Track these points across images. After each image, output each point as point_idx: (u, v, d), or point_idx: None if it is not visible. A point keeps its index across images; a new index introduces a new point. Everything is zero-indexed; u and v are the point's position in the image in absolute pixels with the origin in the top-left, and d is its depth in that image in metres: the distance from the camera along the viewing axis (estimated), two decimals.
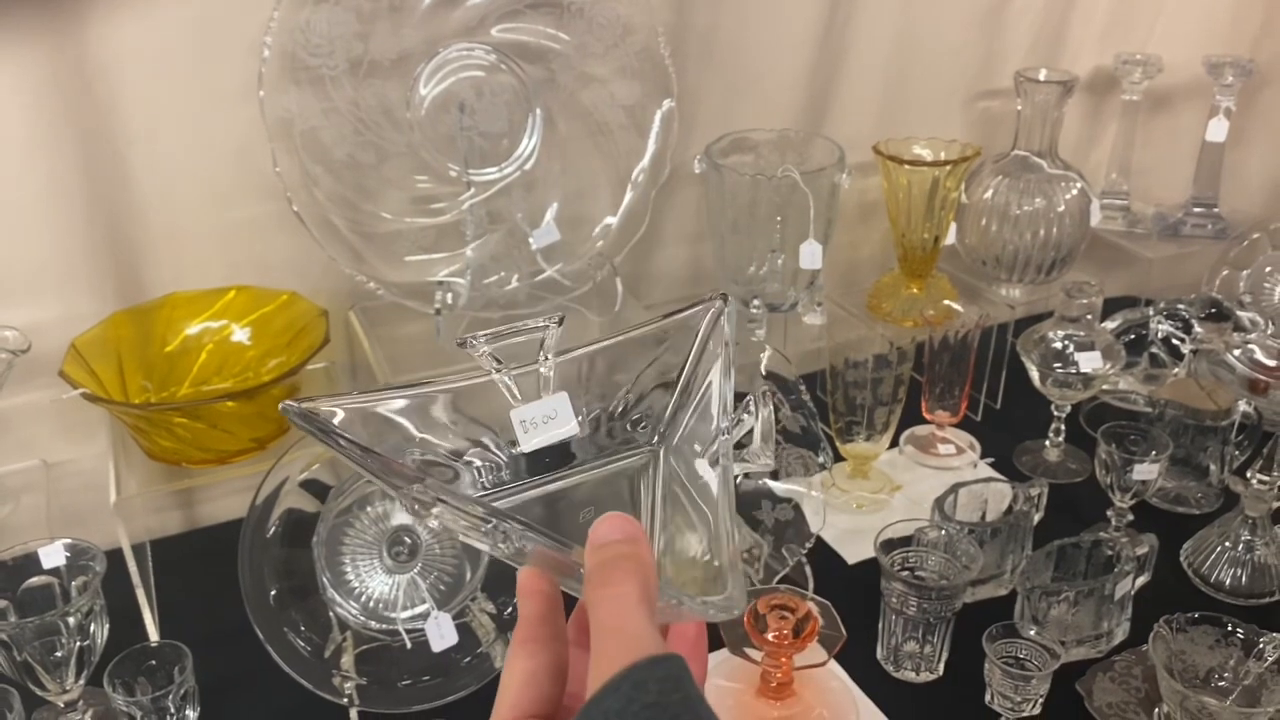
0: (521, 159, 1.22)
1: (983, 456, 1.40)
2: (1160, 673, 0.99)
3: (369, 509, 1.06)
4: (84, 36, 1.07)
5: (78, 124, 1.10)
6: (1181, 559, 1.22)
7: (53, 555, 1.01)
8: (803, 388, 1.19)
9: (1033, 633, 1.02)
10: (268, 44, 1.08)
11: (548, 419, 0.55)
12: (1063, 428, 1.39)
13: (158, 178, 1.15)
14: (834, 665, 1.07)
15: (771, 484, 1.20)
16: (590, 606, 0.41)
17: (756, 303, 1.32)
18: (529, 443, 0.55)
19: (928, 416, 1.39)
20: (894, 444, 1.39)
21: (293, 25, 1.09)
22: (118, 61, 1.09)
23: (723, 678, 1.05)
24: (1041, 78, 1.43)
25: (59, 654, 0.98)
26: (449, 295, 1.18)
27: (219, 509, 1.31)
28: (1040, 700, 0.97)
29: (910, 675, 1.08)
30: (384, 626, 1.03)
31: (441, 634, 1.00)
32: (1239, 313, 1.39)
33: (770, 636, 0.98)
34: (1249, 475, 1.16)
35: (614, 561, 0.42)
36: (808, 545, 1.18)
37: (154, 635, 1.10)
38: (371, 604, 1.04)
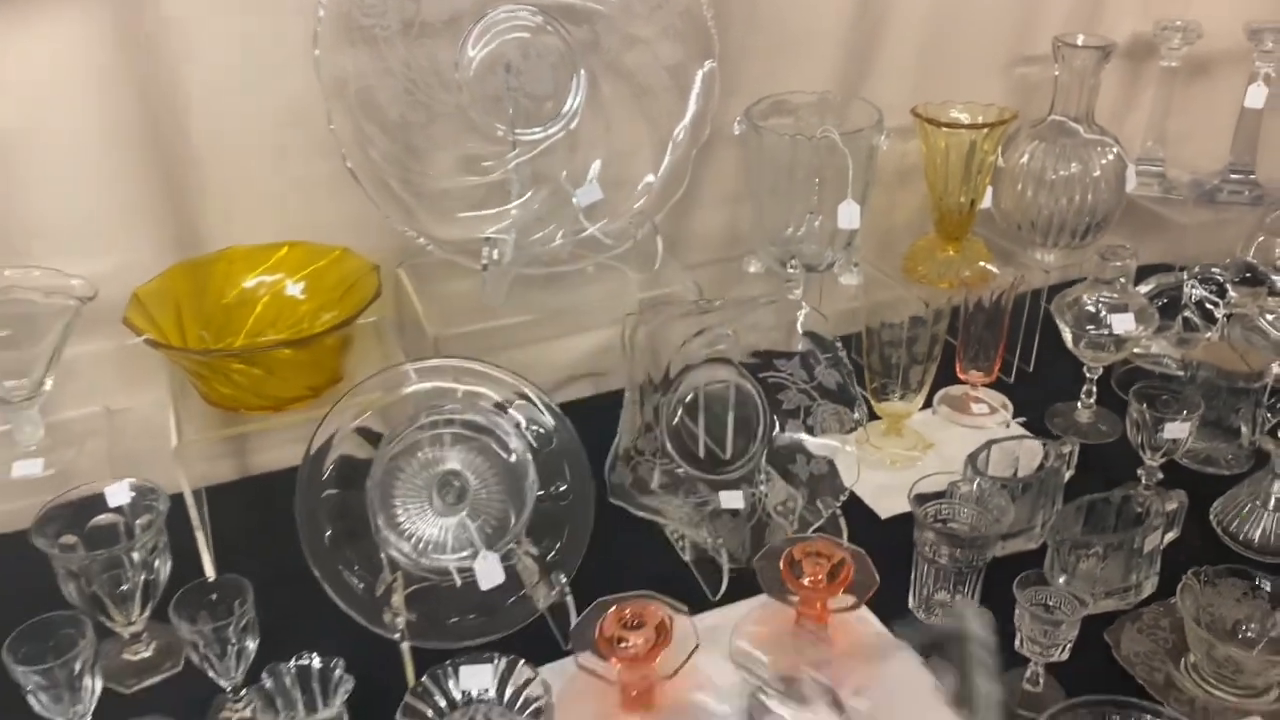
0: (566, 119, 1.25)
1: (1014, 417, 1.42)
2: (1188, 623, 1.02)
3: (419, 455, 1.10)
4: None
5: (138, 81, 1.13)
6: (1211, 517, 1.24)
7: (118, 494, 1.06)
8: (839, 345, 1.22)
9: (1061, 581, 1.04)
10: (323, 4, 1.11)
11: None
12: (1094, 389, 1.40)
13: (215, 135, 1.19)
14: (866, 611, 1.10)
15: (806, 439, 1.23)
16: None
17: (794, 263, 1.34)
18: None
19: (961, 377, 1.41)
20: (927, 404, 1.42)
21: None
22: (178, 20, 1.12)
23: (758, 622, 1.08)
24: (1080, 43, 1.44)
25: (125, 587, 1.03)
26: (495, 251, 1.22)
27: (272, 459, 1.36)
28: (1069, 646, 1.00)
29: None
30: (434, 565, 1.07)
31: (490, 573, 1.04)
32: (1274, 277, 1.40)
33: (805, 581, 1.01)
34: None
35: None
36: (841, 498, 1.21)
37: (211, 574, 1.14)
38: (421, 545, 1.08)
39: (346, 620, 1.03)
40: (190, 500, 1.14)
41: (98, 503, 1.07)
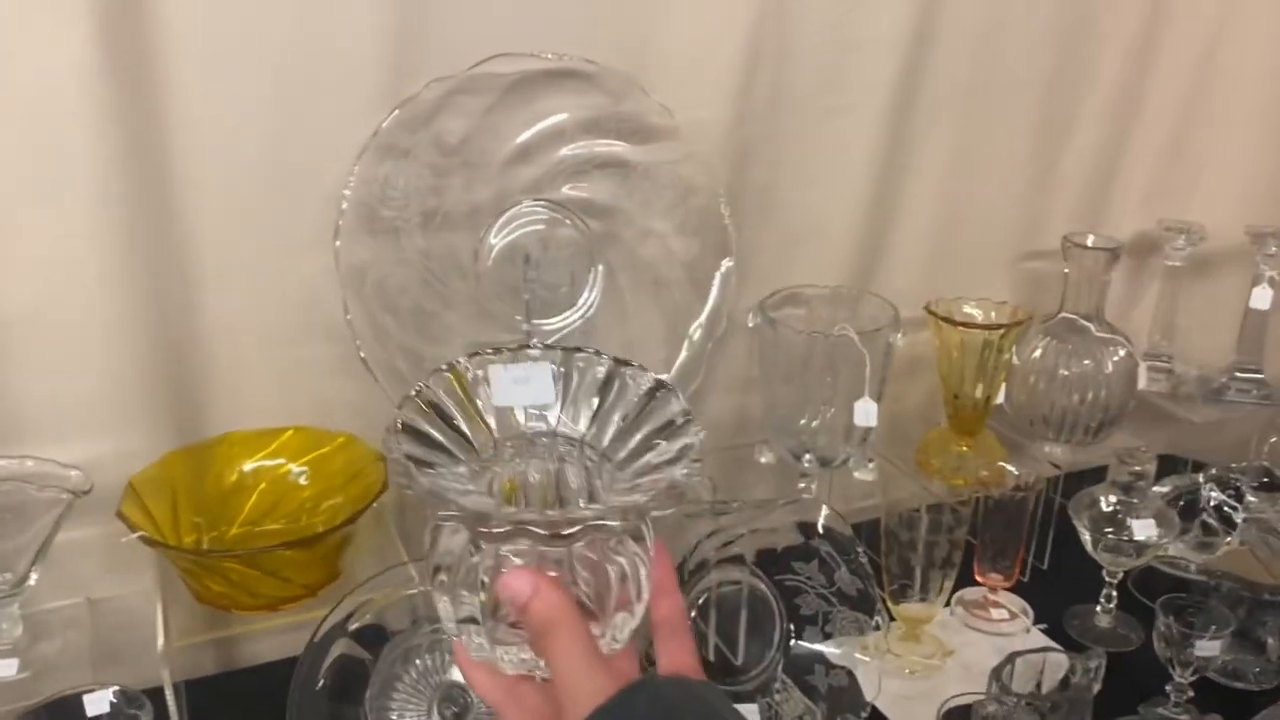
0: (583, 309, 1.24)
1: (1034, 621, 1.38)
2: None
3: (418, 662, 1.05)
4: (166, 171, 1.09)
5: (150, 261, 1.11)
6: None
7: (98, 703, 0.99)
8: (860, 549, 1.18)
9: None
10: (346, 196, 1.11)
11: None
12: (1114, 594, 1.36)
13: (225, 318, 1.17)
14: None
15: (825, 649, 1.18)
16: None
17: (809, 457, 1.32)
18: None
19: (979, 579, 1.37)
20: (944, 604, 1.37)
21: (371, 178, 1.12)
22: (196, 199, 1.11)
23: None
24: (1089, 244, 1.46)
25: None
26: None
27: (265, 649, 1.29)
28: None
29: None
30: None
31: None
32: None
33: None
34: None
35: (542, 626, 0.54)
36: (863, 715, 1.15)
37: None
38: None
39: None
40: (172, 703, 1.07)
41: (74, 707, 1.00)
